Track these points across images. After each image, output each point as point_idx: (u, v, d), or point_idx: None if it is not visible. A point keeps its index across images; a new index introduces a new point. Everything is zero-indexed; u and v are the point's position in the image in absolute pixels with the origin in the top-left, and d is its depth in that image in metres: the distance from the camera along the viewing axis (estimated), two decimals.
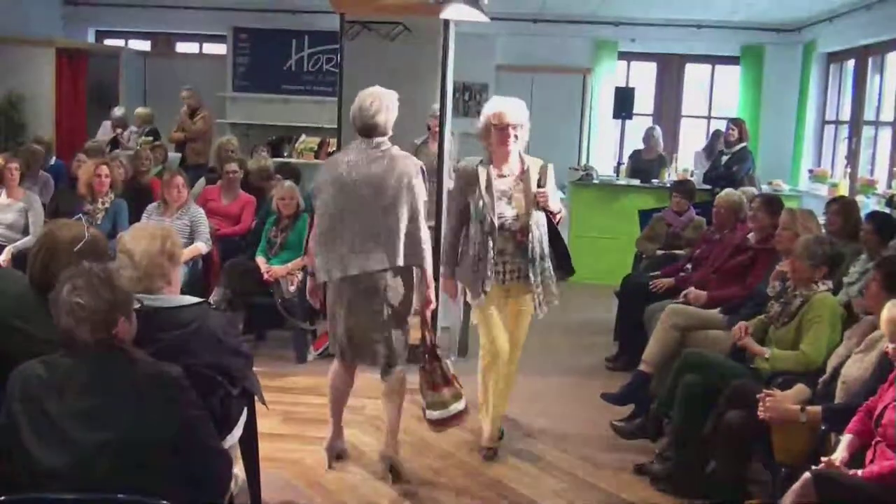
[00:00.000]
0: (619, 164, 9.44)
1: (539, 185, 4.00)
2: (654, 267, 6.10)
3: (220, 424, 2.77)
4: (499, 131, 3.98)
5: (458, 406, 3.87)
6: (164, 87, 10.24)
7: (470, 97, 10.22)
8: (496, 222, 3.96)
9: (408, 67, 5.75)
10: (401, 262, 3.72)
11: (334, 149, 6.23)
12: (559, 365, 5.94)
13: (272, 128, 10.21)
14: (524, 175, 4.04)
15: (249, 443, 3.18)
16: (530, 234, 3.99)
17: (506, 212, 3.99)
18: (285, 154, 9.75)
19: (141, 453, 2.22)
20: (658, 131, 9.49)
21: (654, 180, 8.72)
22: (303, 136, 9.98)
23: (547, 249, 4.07)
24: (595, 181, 8.75)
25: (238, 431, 3.03)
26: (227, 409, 2.87)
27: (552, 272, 4.10)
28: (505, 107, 4.00)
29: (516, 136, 4.00)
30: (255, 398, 3.13)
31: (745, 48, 10.59)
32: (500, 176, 4.03)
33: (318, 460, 4.22)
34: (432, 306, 3.94)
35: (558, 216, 4.10)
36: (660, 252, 6.42)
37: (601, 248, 8.35)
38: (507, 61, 10.45)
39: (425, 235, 3.76)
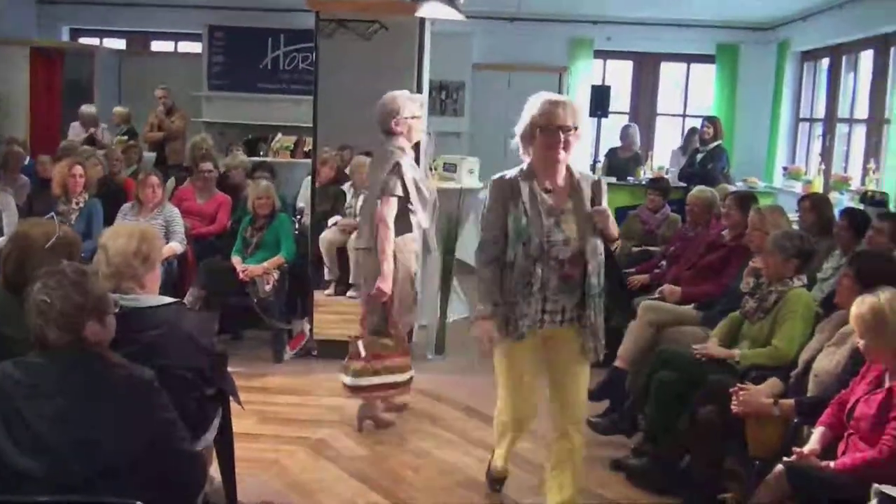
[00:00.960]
0: (596, 161, 9.49)
1: (594, 204, 3.21)
2: (630, 264, 6.13)
3: (195, 426, 2.75)
4: (547, 136, 3.11)
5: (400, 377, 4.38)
6: (139, 86, 10.17)
7: (446, 96, 10.24)
8: (545, 244, 3.14)
9: (384, 66, 5.74)
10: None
11: (310, 147, 6.21)
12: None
13: (248, 127, 10.17)
14: (575, 191, 3.22)
15: (225, 444, 3.16)
16: (587, 266, 3.16)
17: (553, 235, 3.15)
18: (261, 153, 9.70)
19: (113, 456, 2.21)
20: (634, 129, 9.55)
21: (629, 178, 8.78)
22: (279, 135, 9.94)
23: (602, 285, 3.22)
24: None
25: (213, 432, 3.01)
26: (201, 410, 2.85)
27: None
28: (557, 105, 3.11)
29: (568, 143, 3.13)
30: (231, 398, 3.12)
31: (721, 47, 10.68)
32: (546, 191, 3.19)
33: (295, 461, 4.21)
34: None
35: (616, 244, 3.32)
36: (635, 249, 6.46)
37: None
38: (484, 60, 10.47)
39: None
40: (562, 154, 3.14)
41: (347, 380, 4.42)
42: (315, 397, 5.14)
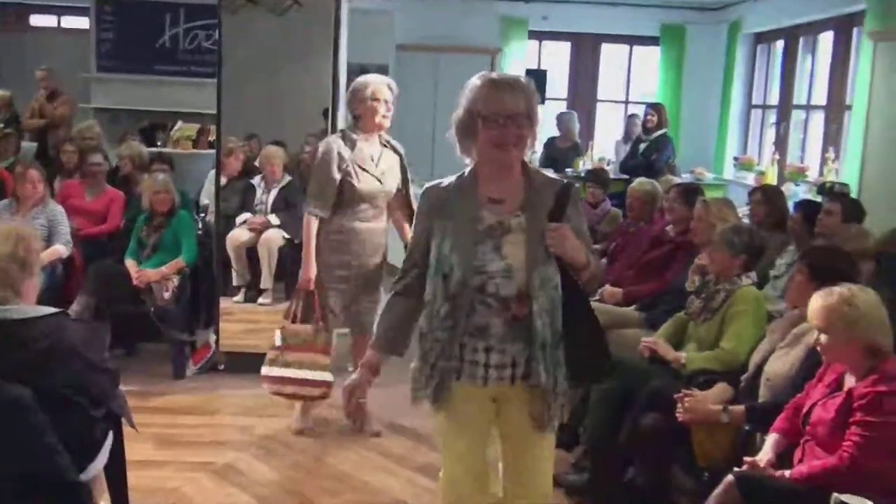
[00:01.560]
0: (532, 152, 9.58)
1: (553, 218, 2.61)
2: None
3: (81, 452, 2.70)
4: (493, 128, 2.57)
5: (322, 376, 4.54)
6: (17, 66, 9.87)
7: None
8: (472, 280, 2.58)
9: (297, 46, 5.72)
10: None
11: (214, 137, 6.14)
12: None
13: (143, 113, 9.96)
14: (531, 203, 2.65)
15: (116, 472, 3.11)
16: (534, 303, 2.58)
17: (490, 263, 2.59)
18: (159, 143, 9.53)
19: None
20: (573, 117, 9.68)
21: (568, 170, 8.90)
22: (179, 123, 9.77)
23: (559, 330, 2.63)
24: None
25: (103, 459, 2.96)
26: (89, 434, 2.80)
27: (566, 370, 2.66)
28: (505, 87, 2.58)
29: (522, 138, 2.60)
30: (123, 421, 3.06)
31: (665, 27, 10.91)
32: (492, 201, 2.65)
33: (198, 489, 4.15)
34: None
35: (587, 273, 2.68)
36: None
37: None
38: (409, 40, 10.48)
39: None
40: (514, 152, 2.59)
41: (263, 369, 4.61)
42: (221, 417, 5.08)
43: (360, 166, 4.54)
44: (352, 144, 4.55)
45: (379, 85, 4.55)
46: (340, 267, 4.63)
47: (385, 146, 4.65)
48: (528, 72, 10.04)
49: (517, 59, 10.78)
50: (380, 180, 4.59)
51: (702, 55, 10.78)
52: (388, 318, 2.83)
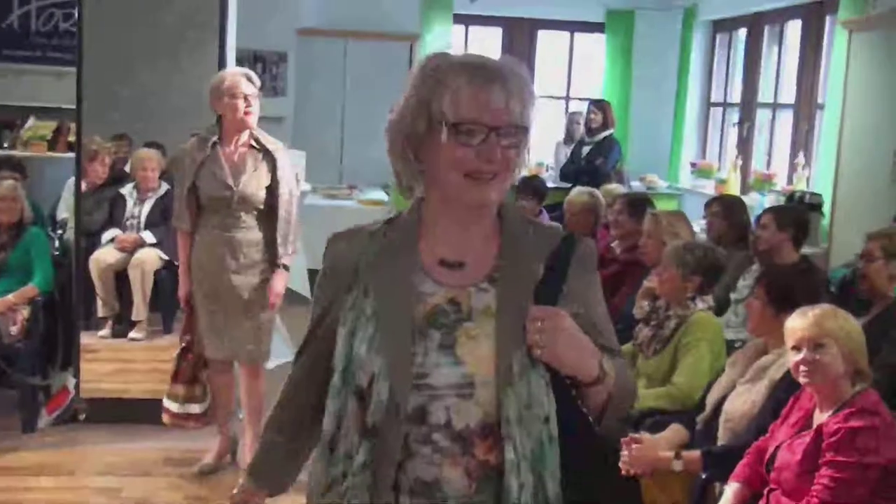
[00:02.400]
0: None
1: (541, 297, 1.87)
2: None
3: None
4: (467, 145, 1.82)
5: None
6: None
7: (263, 70, 10.17)
8: (406, 400, 1.83)
9: (175, 29, 5.68)
10: None
11: (74, 138, 6.05)
12: None
13: None
14: (506, 267, 1.91)
15: None
16: (508, 447, 1.81)
17: (437, 372, 1.84)
18: (6, 144, 9.33)
19: None
20: None
21: None
22: (31, 121, 9.59)
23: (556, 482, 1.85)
24: None
25: None
26: None
27: None
28: (491, 77, 1.85)
29: (508, 161, 1.85)
30: None
31: (611, 13, 11.09)
32: (444, 265, 1.92)
33: None
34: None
35: (600, 393, 1.88)
36: None
37: None
38: (313, 24, 10.47)
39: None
40: (495, 186, 1.85)
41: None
42: (81, 478, 4.99)
43: (215, 171, 4.62)
44: (207, 147, 4.66)
45: (236, 78, 4.66)
46: (205, 284, 4.73)
47: (253, 146, 4.69)
48: None
49: (440, 47, 10.80)
50: (236, 185, 4.61)
51: (653, 45, 10.95)
52: (276, 423, 2.16)
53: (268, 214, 4.72)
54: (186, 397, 4.85)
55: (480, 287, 1.91)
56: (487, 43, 11.52)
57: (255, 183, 4.67)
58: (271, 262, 4.73)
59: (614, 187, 7.19)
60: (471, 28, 11.48)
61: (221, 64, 5.63)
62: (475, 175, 1.84)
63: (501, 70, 1.88)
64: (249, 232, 4.71)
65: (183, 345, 4.86)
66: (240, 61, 7.15)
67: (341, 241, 2.00)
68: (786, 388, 3.42)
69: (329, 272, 2.01)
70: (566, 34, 11.53)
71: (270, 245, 4.72)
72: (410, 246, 1.94)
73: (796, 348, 3.19)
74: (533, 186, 6.95)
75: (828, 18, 8.27)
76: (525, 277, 1.91)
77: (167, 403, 4.88)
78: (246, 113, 4.63)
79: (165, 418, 4.91)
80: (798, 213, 5.51)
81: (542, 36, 11.56)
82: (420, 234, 1.95)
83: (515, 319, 1.84)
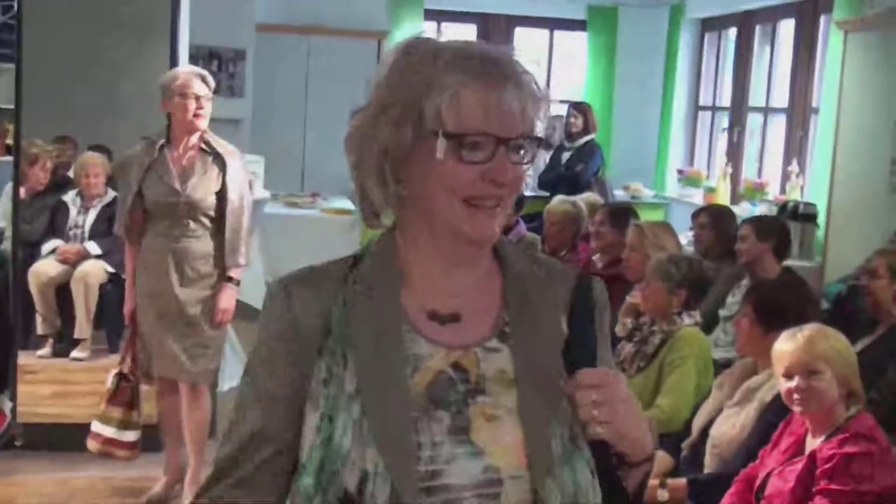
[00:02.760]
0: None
1: (575, 359, 1.57)
2: None
3: None
4: (470, 162, 1.54)
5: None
6: None
7: (220, 68, 10.14)
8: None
9: (126, 24, 5.66)
10: None
11: (12, 140, 5.98)
12: None
13: None
14: (517, 316, 1.62)
15: None
16: None
17: (454, 466, 1.51)
18: None
19: None
20: None
21: None
22: None
23: None
24: None
25: None
26: None
27: None
28: (503, 75, 1.56)
29: (519, 180, 1.59)
30: None
31: (594, 10, 11.12)
32: (434, 318, 1.61)
33: None
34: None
35: (647, 472, 1.60)
36: None
37: None
38: (273, 20, 10.45)
39: None
40: (500, 214, 1.58)
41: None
42: None
43: (162, 174, 4.62)
44: (153, 151, 4.66)
45: (189, 77, 4.64)
46: (148, 297, 4.71)
47: (203, 150, 4.69)
48: None
49: None
50: (183, 190, 4.60)
51: (638, 44, 10.99)
52: None
53: (219, 224, 4.69)
54: (123, 422, 4.78)
55: (488, 346, 1.58)
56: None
57: (203, 188, 4.64)
58: (223, 275, 4.71)
59: (595, 197, 7.19)
60: (443, 24, 11.48)
61: (174, 62, 5.60)
62: (477, 201, 1.55)
63: (513, 65, 1.58)
64: (198, 242, 4.68)
65: (122, 364, 4.80)
66: (194, 59, 7.13)
67: (305, 289, 1.59)
68: (776, 412, 3.44)
69: (288, 332, 1.58)
70: (545, 32, 11.58)
71: (222, 257, 4.70)
72: (391, 294, 1.58)
73: (787, 375, 3.21)
74: None
75: (822, 18, 8.31)
76: (546, 332, 1.60)
77: (99, 427, 4.79)
78: (196, 115, 4.60)
79: (94, 444, 4.82)
80: (779, 223, 5.56)
81: (520, 33, 11.59)
82: (399, 275, 1.61)
83: (545, 388, 1.54)
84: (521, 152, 1.56)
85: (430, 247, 1.60)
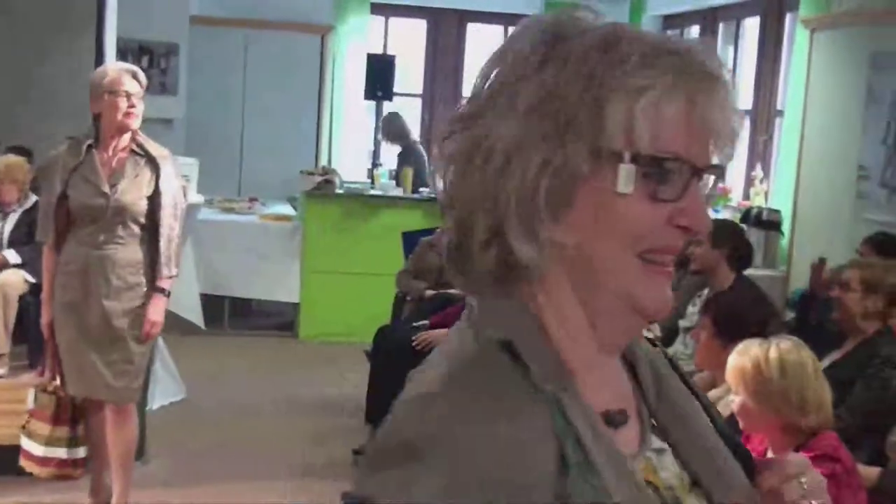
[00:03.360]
0: (376, 165, 9.67)
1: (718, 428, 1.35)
2: (422, 314, 6.28)
3: None
4: (651, 191, 1.16)
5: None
6: None
7: (151, 64, 10.09)
8: None
9: (48, 17, 5.63)
10: None
11: None
12: (286, 463, 5.96)
13: None
14: (654, 403, 1.30)
15: None
16: None
17: None
18: None
19: None
20: (428, 118, 9.79)
21: (423, 189, 8.98)
22: None
23: None
24: (339, 190, 8.88)
25: None
26: None
27: None
28: (721, 79, 1.19)
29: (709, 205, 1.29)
30: None
31: (550, 5, 11.20)
32: (607, 419, 1.23)
33: None
34: None
35: None
36: (429, 293, 6.63)
37: (346, 289, 8.51)
38: (207, 12, 10.43)
39: None
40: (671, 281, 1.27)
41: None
42: None
43: (88, 176, 4.58)
44: (80, 152, 4.62)
45: (119, 74, 4.61)
46: (65, 310, 4.66)
47: (135, 152, 4.67)
48: (371, 58, 10.12)
49: (356, 40, 10.85)
50: (112, 192, 4.58)
51: None
52: None
53: (149, 230, 4.67)
54: (72, 440, 4.71)
55: (654, 447, 1.26)
56: (410, 37, 11.56)
57: (134, 192, 4.61)
58: (152, 285, 4.68)
59: None
60: (391, 20, 11.52)
61: (99, 57, 5.59)
62: (656, 256, 1.18)
63: (720, 64, 1.20)
64: (126, 250, 4.63)
65: (49, 381, 4.76)
66: (122, 54, 7.12)
67: (500, 422, 1.09)
68: (735, 428, 3.48)
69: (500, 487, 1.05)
70: (499, 28, 11.61)
71: (152, 267, 4.67)
72: (572, 393, 1.16)
73: (735, 391, 3.25)
74: None
75: (788, 16, 8.43)
76: (690, 416, 1.32)
77: (49, 451, 4.70)
78: (127, 114, 4.57)
79: (45, 470, 4.74)
80: (735, 229, 5.61)
81: (472, 29, 11.65)
82: (565, 367, 1.19)
83: (729, 486, 1.27)
84: (708, 188, 1.22)
85: (584, 322, 1.20)
